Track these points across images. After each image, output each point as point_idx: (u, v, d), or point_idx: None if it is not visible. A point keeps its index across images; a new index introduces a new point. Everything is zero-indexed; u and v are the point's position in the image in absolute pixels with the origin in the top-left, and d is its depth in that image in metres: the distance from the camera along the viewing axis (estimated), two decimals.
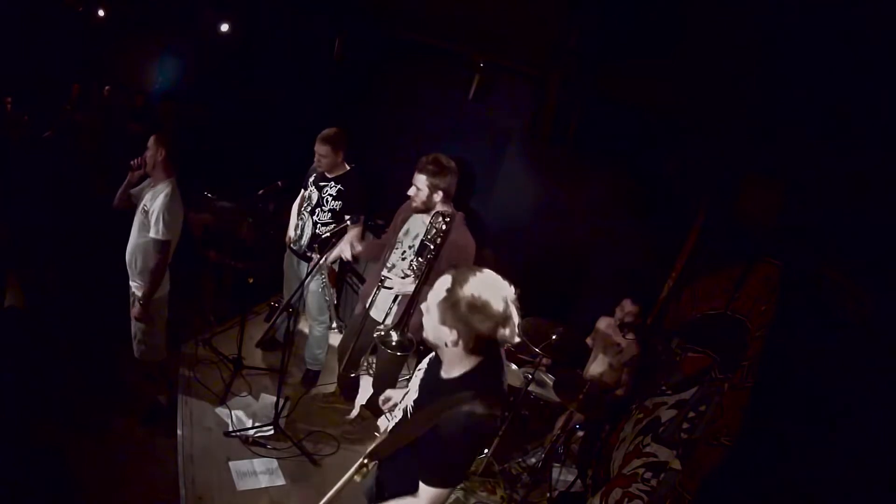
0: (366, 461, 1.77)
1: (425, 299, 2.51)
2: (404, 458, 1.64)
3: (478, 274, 1.51)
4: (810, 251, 2.41)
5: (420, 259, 2.68)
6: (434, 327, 1.54)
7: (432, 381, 1.67)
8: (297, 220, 3.49)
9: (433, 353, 1.74)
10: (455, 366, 1.59)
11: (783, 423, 2.36)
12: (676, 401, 2.70)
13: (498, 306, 1.46)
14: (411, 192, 2.72)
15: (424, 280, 2.56)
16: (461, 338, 1.49)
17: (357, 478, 1.76)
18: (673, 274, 3.27)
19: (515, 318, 1.49)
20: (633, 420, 2.97)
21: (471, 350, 1.52)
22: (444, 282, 1.54)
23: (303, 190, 3.49)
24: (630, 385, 3.31)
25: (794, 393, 2.35)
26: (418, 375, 1.78)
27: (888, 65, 2.07)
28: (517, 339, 1.50)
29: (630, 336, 3.26)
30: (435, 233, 2.60)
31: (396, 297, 2.78)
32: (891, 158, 2.18)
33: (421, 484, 1.56)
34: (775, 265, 2.49)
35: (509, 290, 1.50)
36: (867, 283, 2.18)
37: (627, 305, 3.29)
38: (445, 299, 1.50)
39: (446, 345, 1.53)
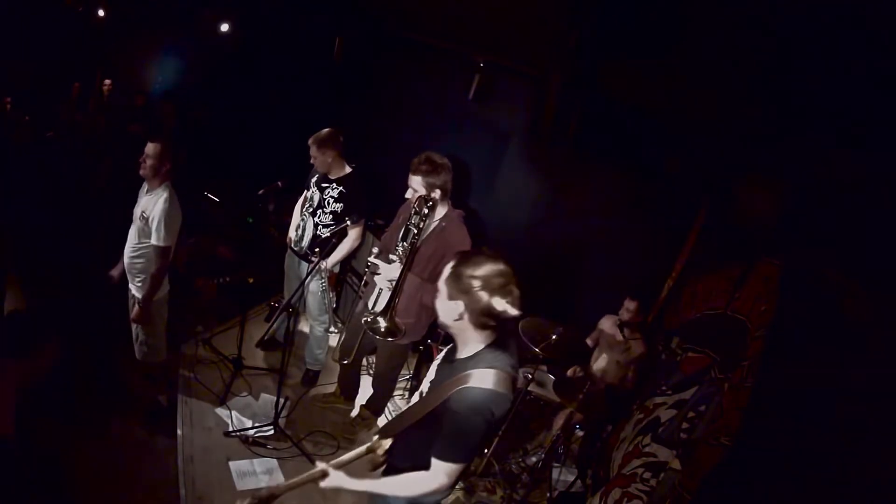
0: (378, 438, 1.84)
1: (411, 285, 2.55)
2: (416, 438, 1.70)
3: (477, 255, 1.63)
4: (810, 251, 2.40)
5: (405, 243, 2.68)
6: (443, 304, 1.63)
7: (448, 362, 1.77)
8: (299, 220, 3.48)
9: (452, 343, 1.81)
10: (467, 344, 1.67)
11: (783, 423, 2.36)
12: (676, 401, 2.70)
13: (497, 278, 1.55)
14: (409, 194, 2.72)
15: (409, 266, 2.56)
16: (466, 309, 1.58)
17: (371, 454, 1.82)
18: (673, 274, 3.27)
19: (515, 292, 1.57)
20: (633, 420, 2.97)
21: (478, 325, 1.60)
22: (449, 264, 1.66)
23: (305, 190, 3.49)
24: (637, 382, 3.32)
25: (794, 393, 2.35)
26: (437, 362, 1.85)
27: (888, 64, 2.06)
28: (517, 312, 1.57)
29: (630, 335, 3.26)
30: (419, 218, 2.60)
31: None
32: (891, 158, 2.18)
33: (433, 459, 1.62)
34: (775, 265, 2.49)
35: (507, 268, 1.59)
36: (867, 283, 2.17)
37: (627, 303, 3.30)
38: (450, 276, 1.62)
39: (455, 320, 1.61)
